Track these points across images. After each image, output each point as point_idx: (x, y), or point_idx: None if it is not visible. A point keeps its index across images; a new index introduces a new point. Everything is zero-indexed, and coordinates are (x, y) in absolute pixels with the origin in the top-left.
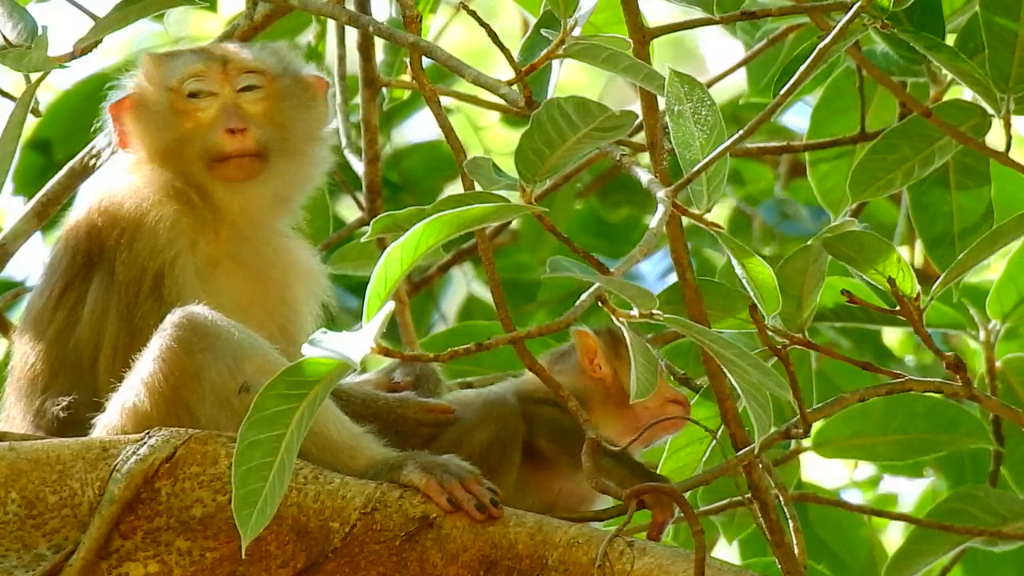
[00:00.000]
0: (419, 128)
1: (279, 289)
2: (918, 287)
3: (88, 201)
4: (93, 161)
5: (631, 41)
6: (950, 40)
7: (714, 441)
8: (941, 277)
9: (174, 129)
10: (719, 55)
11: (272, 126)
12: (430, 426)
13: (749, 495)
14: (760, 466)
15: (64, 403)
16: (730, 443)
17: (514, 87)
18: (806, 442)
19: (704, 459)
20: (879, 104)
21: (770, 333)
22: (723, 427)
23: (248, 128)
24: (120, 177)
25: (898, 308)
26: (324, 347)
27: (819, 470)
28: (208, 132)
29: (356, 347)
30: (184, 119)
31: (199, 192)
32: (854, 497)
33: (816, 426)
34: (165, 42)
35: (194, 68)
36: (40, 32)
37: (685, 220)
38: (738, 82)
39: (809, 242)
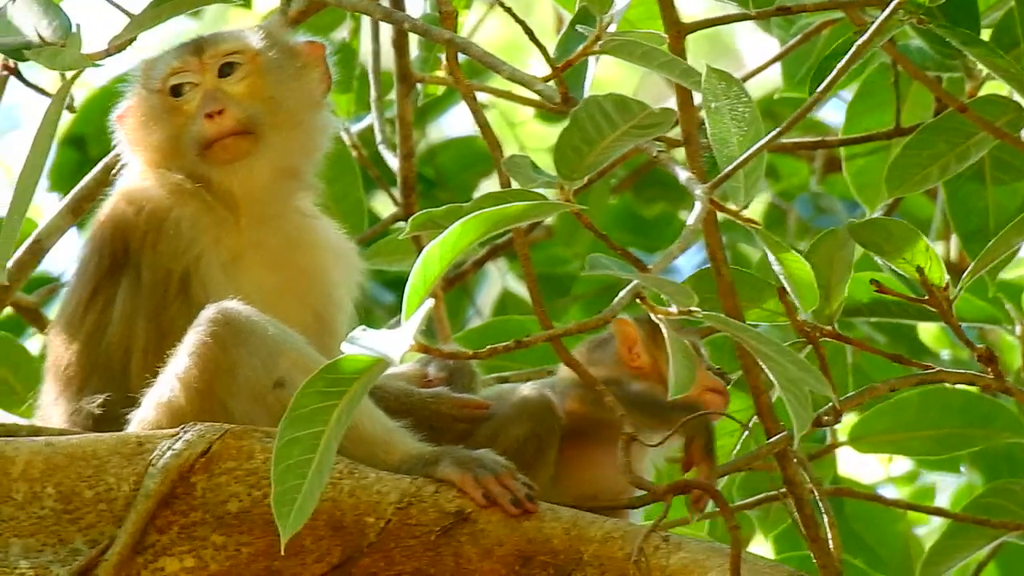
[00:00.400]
0: (454, 123)
1: (309, 273)
2: (947, 276)
3: (111, 202)
4: (119, 164)
5: (666, 37)
6: (985, 35)
7: (745, 433)
8: (971, 265)
9: (165, 129)
10: (755, 50)
11: (257, 101)
12: (465, 422)
13: (784, 490)
14: (795, 461)
15: (99, 401)
16: (764, 437)
17: (550, 83)
18: (842, 436)
19: (735, 451)
20: (914, 99)
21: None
22: (755, 419)
23: (225, 108)
24: (138, 180)
25: (927, 298)
26: (363, 344)
27: (855, 465)
28: (192, 123)
29: (396, 344)
30: (173, 116)
31: (207, 187)
32: (890, 492)
33: (851, 421)
34: None
35: (171, 65)
36: (74, 30)
37: (720, 215)
38: (773, 77)
39: (832, 227)
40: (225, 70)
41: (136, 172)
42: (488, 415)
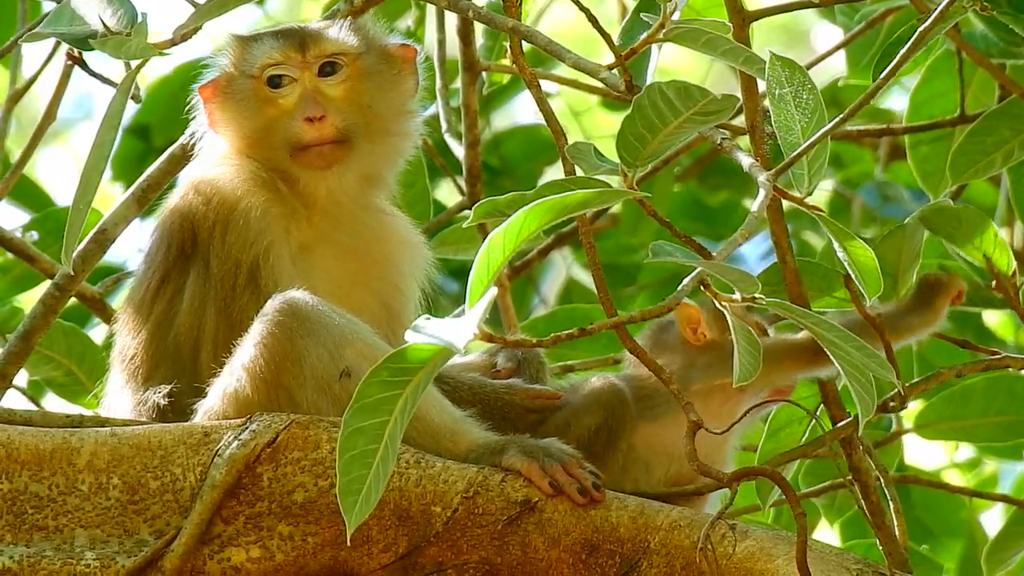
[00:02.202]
0: (518, 112)
1: (378, 265)
2: (1014, 264)
3: (180, 192)
4: (191, 144)
5: (731, 24)
6: None
7: (812, 421)
8: None
9: (257, 118)
10: (826, 38)
11: (355, 108)
12: (538, 412)
13: (850, 477)
14: (861, 448)
15: (165, 391)
16: (829, 424)
17: (614, 71)
18: (907, 423)
19: (803, 440)
20: (978, 86)
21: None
22: (821, 407)
23: (327, 115)
24: (209, 167)
25: (994, 284)
26: (427, 333)
27: (919, 452)
28: (289, 121)
29: (460, 333)
30: (266, 107)
31: (286, 180)
32: (954, 479)
33: (917, 408)
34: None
35: (272, 56)
36: (140, 19)
37: (785, 203)
38: (838, 65)
39: (906, 220)
40: (326, 69)
41: (211, 152)
42: (561, 405)
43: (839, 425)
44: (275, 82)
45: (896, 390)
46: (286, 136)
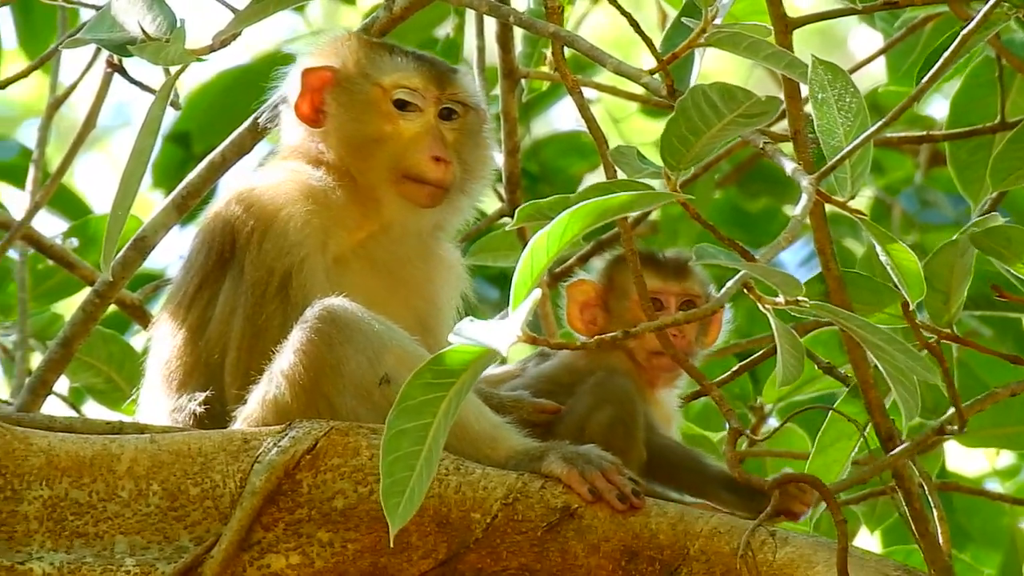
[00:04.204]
0: (557, 119)
1: (415, 282)
2: None
3: (224, 196)
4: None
5: (771, 29)
6: None
7: (861, 438)
8: None
9: (370, 128)
10: (864, 43)
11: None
12: (540, 427)
13: (892, 484)
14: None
15: (201, 398)
16: (876, 438)
17: (655, 76)
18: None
19: (853, 455)
20: (1018, 93)
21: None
22: (870, 424)
23: (451, 162)
24: (257, 173)
25: None
26: (470, 336)
27: (960, 459)
28: (409, 148)
29: (503, 336)
30: (384, 122)
31: (359, 192)
32: (994, 486)
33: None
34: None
35: (410, 80)
36: (179, 25)
37: (827, 208)
38: (879, 71)
39: (955, 236)
40: (447, 112)
41: (282, 138)
42: (568, 410)
43: (897, 451)
44: (401, 104)
45: (952, 411)
46: (402, 162)
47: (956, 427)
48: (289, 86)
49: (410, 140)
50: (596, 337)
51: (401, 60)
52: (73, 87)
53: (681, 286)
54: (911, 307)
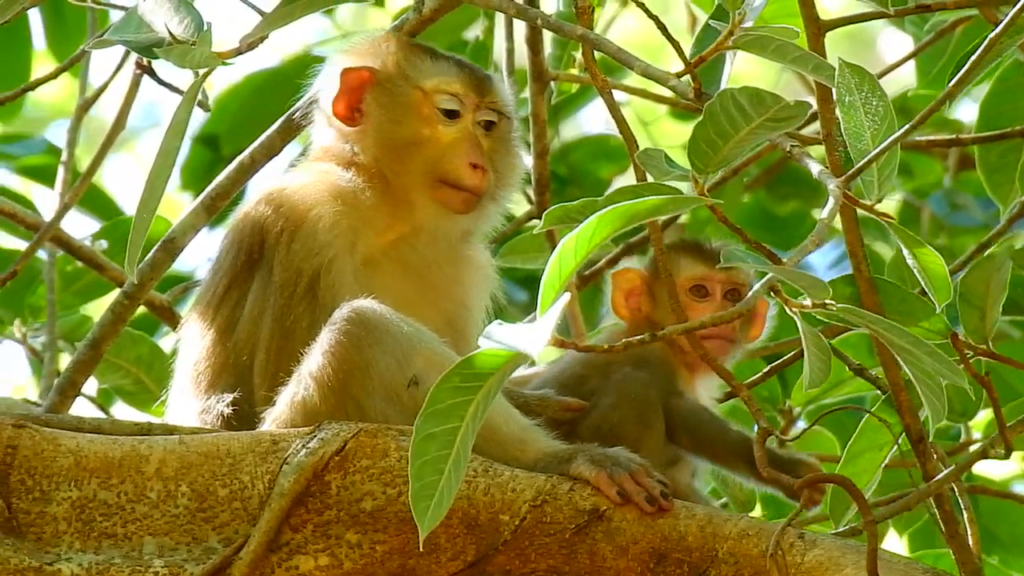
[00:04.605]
0: (586, 122)
1: (444, 284)
2: None
3: (253, 198)
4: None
5: (799, 32)
6: None
7: (895, 446)
8: None
9: (409, 130)
10: (894, 44)
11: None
12: (567, 423)
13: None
14: (935, 457)
15: (229, 399)
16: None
17: (683, 79)
18: (976, 433)
19: (883, 464)
20: None
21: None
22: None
23: (488, 170)
24: (287, 174)
25: None
26: (499, 339)
27: (988, 462)
28: (447, 153)
29: (533, 339)
30: (423, 126)
31: (391, 193)
32: (1021, 489)
33: (985, 417)
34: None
35: (452, 85)
36: (205, 28)
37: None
38: (908, 74)
39: (989, 250)
40: (484, 120)
41: (314, 136)
42: (590, 408)
43: (938, 478)
44: (442, 110)
45: (996, 434)
46: (439, 167)
47: (1002, 451)
48: (326, 84)
49: (448, 145)
50: (624, 340)
51: (443, 65)
52: (103, 89)
53: (726, 274)
54: (959, 335)
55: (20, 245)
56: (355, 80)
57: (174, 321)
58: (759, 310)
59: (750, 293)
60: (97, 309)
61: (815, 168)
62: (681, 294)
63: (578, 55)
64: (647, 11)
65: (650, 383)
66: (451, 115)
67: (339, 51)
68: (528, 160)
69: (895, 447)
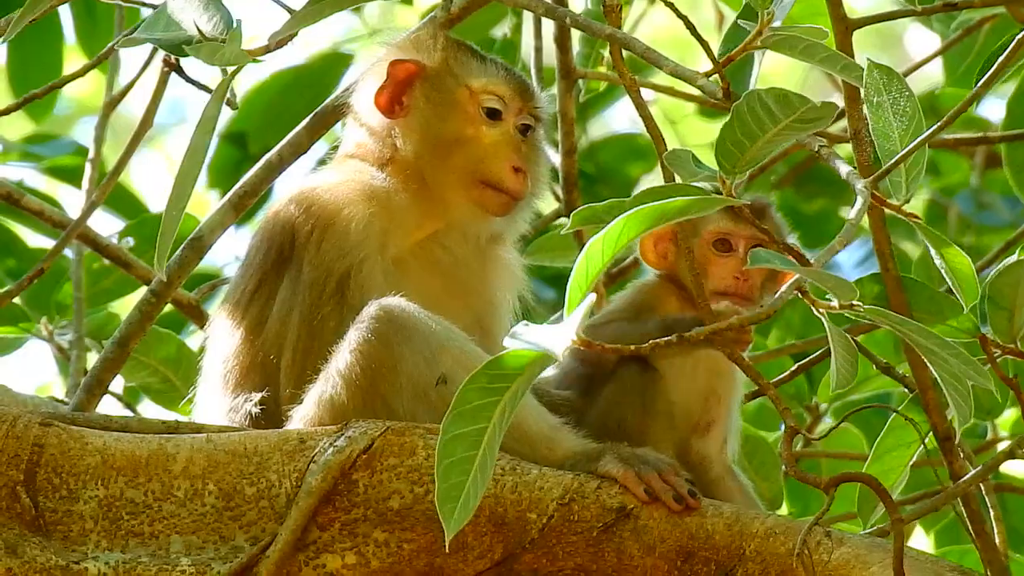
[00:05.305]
0: (614, 120)
1: (473, 283)
2: None
3: (285, 195)
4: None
5: (828, 31)
6: None
7: (922, 445)
8: None
9: (452, 128)
10: (920, 42)
11: (530, 173)
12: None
13: (950, 485)
14: (961, 455)
15: (257, 399)
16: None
17: (711, 78)
18: (1003, 431)
19: (911, 460)
20: None
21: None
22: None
23: (529, 174)
24: (318, 173)
25: None
26: (526, 339)
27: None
28: (490, 154)
29: (558, 339)
30: (467, 125)
31: (426, 190)
32: None
33: (1012, 415)
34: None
35: (499, 88)
36: (235, 25)
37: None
38: (936, 72)
39: (1014, 251)
40: (524, 125)
41: (350, 131)
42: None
43: (965, 478)
44: (488, 110)
45: (1022, 435)
46: (481, 167)
47: None
48: (369, 76)
49: (490, 146)
50: (651, 342)
51: (490, 66)
52: (130, 86)
53: (751, 230)
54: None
55: (47, 243)
56: (402, 72)
57: (201, 319)
58: (782, 280)
59: (777, 294)
60: (124, 307)
61: (843, 169)
62: (704, 247)
63: (606, 53)
64: (675, 10)
65: (643, 369)
66: (494, 115)
67: (386, 44)
68: (556, 158)
69: (922, 445)
